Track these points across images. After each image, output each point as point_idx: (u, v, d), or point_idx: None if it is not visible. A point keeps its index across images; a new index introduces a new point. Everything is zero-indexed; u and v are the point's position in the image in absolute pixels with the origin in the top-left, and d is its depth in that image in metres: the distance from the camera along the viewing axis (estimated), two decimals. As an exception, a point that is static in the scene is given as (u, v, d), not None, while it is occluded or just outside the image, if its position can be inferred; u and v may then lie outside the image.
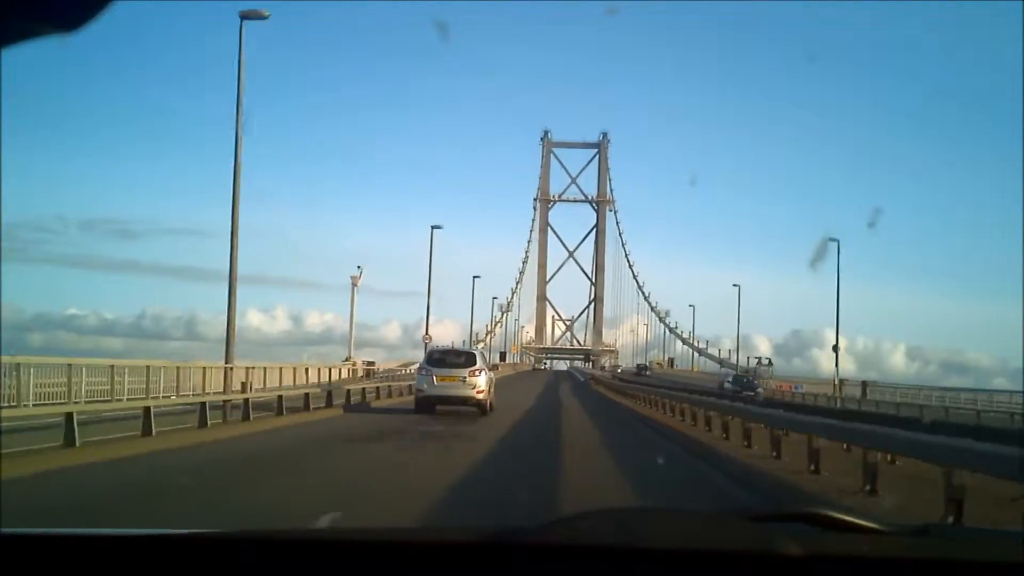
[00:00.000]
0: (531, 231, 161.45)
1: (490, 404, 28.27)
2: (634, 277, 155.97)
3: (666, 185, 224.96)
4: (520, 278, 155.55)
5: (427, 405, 27.14)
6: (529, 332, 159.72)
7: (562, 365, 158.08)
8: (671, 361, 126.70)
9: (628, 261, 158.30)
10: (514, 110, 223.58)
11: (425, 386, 27.54)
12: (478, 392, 27.31)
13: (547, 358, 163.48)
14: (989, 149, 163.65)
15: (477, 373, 27.64)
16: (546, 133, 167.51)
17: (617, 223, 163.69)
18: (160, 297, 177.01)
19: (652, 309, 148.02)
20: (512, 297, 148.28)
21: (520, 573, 1.97)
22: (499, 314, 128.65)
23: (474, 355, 29.50)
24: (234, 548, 2.09)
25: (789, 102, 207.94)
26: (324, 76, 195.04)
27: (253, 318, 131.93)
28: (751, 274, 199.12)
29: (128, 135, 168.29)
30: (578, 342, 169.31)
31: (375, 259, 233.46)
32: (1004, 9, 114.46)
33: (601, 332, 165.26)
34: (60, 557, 2.02)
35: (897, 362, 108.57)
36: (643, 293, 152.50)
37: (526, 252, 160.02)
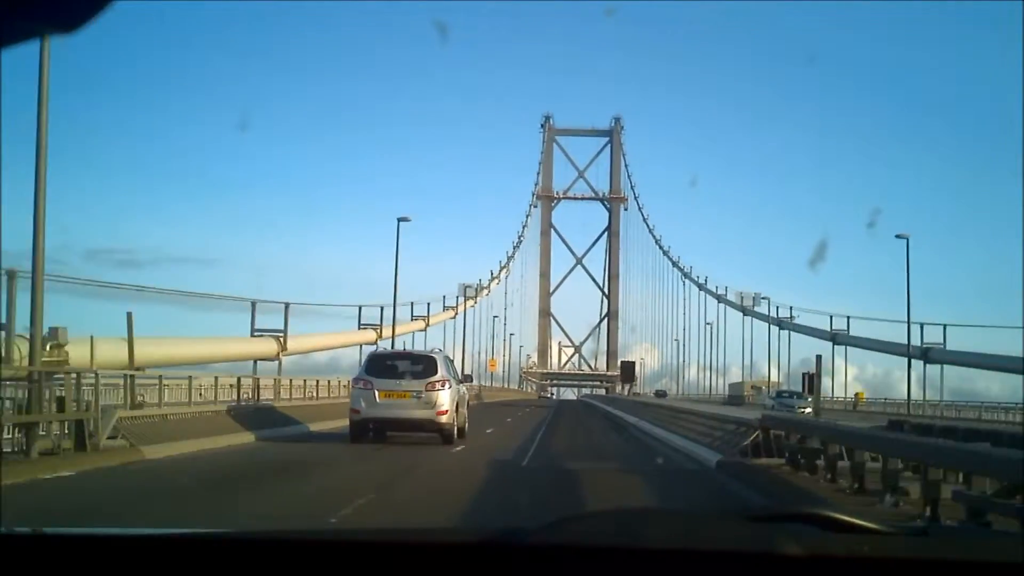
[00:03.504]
0: (524, 228, 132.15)
1: (458, 430, 21.97)
2: (674, 264, 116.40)
3: (664, 186, 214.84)
4: (507, 263, 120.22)
5: (366, 431, 21.19)
6: (531, 355, 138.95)
7: (570, 394, 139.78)
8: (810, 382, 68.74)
9: (661, 248, 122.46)
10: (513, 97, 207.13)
11: (363, 404, 21.03)
12: (440, 413, 20.98)
13: (553, 384, 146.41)
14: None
15: (438, 386, 21.07)
16: (547, 119, 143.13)
17: (640, 208, 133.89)
18: (165, 325, 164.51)
19: (719, 298, 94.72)
20: (491, 282, 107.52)
21: (521, 573, 1.98)
22: (462, 299, 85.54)
23: (434, 361, 22.15)
24: (236, 548, 2.10)
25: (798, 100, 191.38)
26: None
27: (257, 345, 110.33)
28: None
29: (132, 160, 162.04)
30: (589, 366, 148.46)
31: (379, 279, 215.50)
32: (1004, 10, 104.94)
33: (616, 353, 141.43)
34: (60, 557, 2.02)
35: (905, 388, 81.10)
36: (693, 280, 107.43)
37: (519, 236, 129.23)
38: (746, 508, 4.00)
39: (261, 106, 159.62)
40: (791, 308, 74.13)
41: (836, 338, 64.13)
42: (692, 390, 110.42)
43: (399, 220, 45.43)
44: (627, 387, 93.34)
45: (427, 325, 65.24)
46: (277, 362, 32.49)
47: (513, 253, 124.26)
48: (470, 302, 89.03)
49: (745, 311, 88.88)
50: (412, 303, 63.27)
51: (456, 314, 79.89)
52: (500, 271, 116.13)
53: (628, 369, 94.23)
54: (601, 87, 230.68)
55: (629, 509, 3.03)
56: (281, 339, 32.90)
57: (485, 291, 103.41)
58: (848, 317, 63.92)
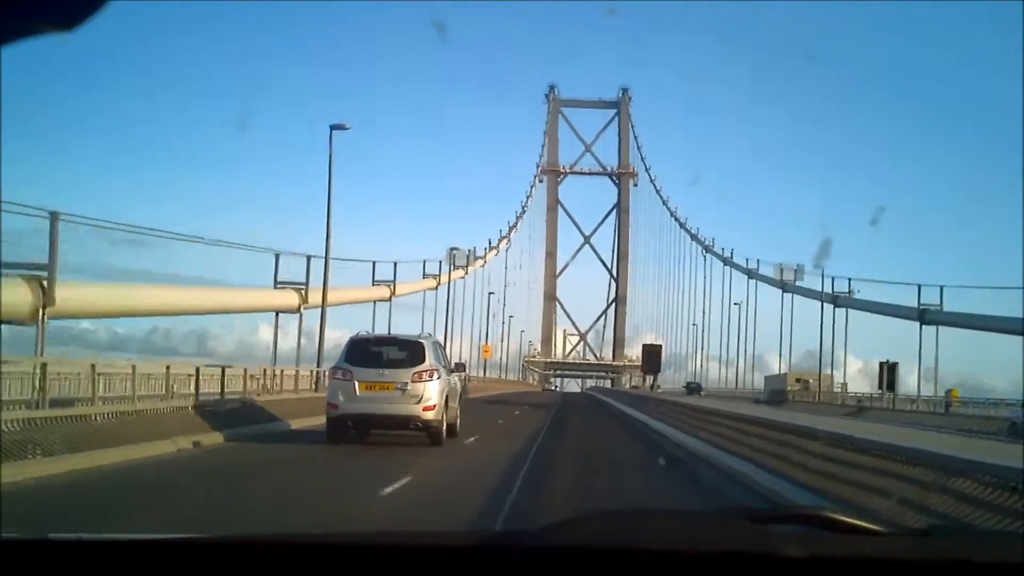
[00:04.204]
0: (528, 198, 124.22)
1: (448, 427, 19.29)
2: (693, 237, 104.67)
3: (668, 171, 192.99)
4: (508, 234, 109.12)
5: (346, 429, 18.42)
6: (532, 342, 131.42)
7: (574, 385, 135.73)
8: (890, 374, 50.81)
9: (677, 219, 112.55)
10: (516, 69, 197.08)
11: (341, 398, 18.27)
12: (426, 408, 18.17)
13: (556, 375, 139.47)
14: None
15: (426, 376, 18.36)
16: (552, 89, 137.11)
17: (652, 180, 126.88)
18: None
19: (749, 273, 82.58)
20: (488, 253, 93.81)
21: (522, 574, 1.97)
22: (452, 268, 70.60)
23: (422, 347, 19.07)
24: (235, 552, 2.08)
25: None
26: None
27: (265, 334, 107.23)
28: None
29: (136, 140, 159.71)
30: (595, 355, 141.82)
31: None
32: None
33: (623, 341, 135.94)
34: (60, 561, 2.02)
35: (912, 384, 74.33)
36: (716, 253, 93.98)
37: (523, 206, 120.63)
38: (746, 509, 2.64)
39: (257, 92, 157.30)
40: (850, 280, 60.07)
41: (925, 316, 49.78)
42: (712, 384, 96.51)
43: (332, 128, 31.96)
44: (651, 379, 77.63)
45: (393, 293, 50.44)
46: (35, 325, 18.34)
47: (516, 223, 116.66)
48: (459, 272, 74.98)
49: (785, 287, 75.09)
50: (374, 262, 49.17)
51: (439, 284, 64.51)
52: (499, 241, 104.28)
53: (653, 355, 76.98)
54: (603, 83, 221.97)
55: (629, 510, 2.91)
56: (42, 284, 18.56)
57: (481, 261, 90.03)
58: (941, 287, 49.52)
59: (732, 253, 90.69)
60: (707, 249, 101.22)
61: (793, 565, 1.86)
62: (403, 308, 61.05)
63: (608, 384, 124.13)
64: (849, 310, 60.80)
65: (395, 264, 50.83)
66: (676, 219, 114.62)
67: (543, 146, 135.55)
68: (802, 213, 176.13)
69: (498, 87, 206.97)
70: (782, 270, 74.75)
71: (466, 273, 78.62)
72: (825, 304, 63.50)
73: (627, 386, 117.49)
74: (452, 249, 67.52)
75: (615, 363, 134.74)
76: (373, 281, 48.26)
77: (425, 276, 62.51)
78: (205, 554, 2.06)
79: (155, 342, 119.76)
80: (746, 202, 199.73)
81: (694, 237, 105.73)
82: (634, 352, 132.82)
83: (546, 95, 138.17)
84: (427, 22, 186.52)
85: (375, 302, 48.43)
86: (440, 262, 64.96)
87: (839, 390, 63.40)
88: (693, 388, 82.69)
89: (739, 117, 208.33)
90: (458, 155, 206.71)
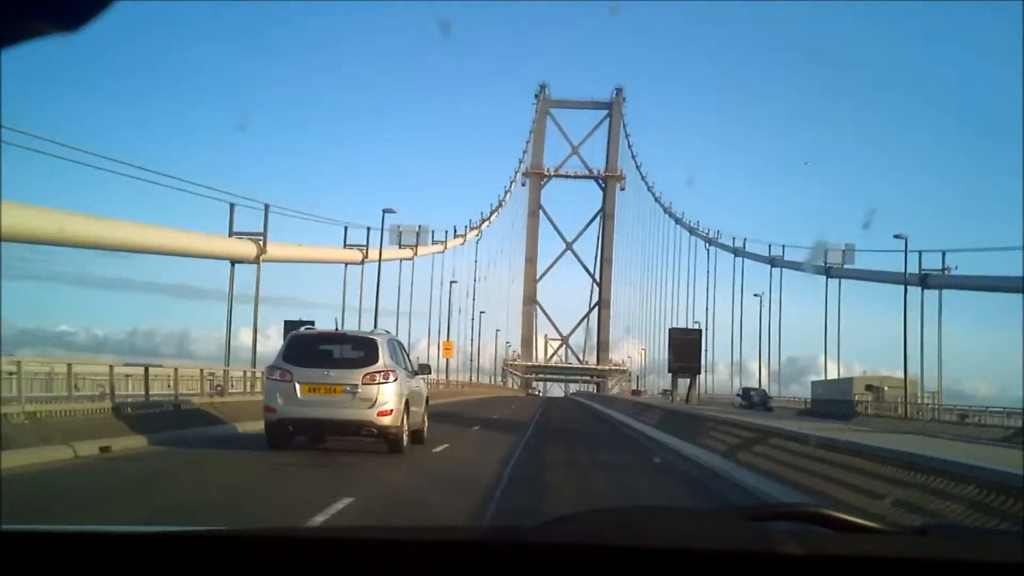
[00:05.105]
0: (507, 193, 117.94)
1: (411, 434, 16.80)
2: (692, 231, 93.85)
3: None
4: (479, 225, 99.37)
5: (287, 434, 15.96)
6: (510, 343, 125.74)
7: (557, 389, 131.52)
8: None
9: (672, 215, 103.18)
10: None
11: (280, 401, 15.78)
12: (381, 412, 15.72)
13: (538, 378, 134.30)
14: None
15: (379, 378, 15.88)
16: (543, 88, 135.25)
17: (643, 177, 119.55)
18: (152, 315, 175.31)
19: (772, 261, 68.79)
20: (451, 239, 78.34)
21: (520, 572, 1.95)
22: (395, 245, 53.35)
23: (375, 344, 16.37)
24: (234, 546, 2.06)
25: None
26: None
27: (246, 337, 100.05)
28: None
29: (117, 143, 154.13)
30: (577, 359, 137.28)
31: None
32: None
33: (607, 345, 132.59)
34: (59, 555, 2.00)
35: (893, 391, 64.30)
36: (722, 245, 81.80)
37: (500, 200, 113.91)
38: (745, 507, 3.30)
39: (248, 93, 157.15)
40: (943, 254, 43.18)
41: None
42: (721, 390, 79.94)
43: None
44: (685, 385, 58.64)
45: (262, 252, 32.29)
46: None
47: (489, 216, 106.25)
48: (405, 251, 57.62)
49: (830, 272, 58.08)
50: (232, 204, 31.55)
51: (365, 259, 46.39)
52: (468, 231, 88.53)
53: (689, 346, 57.78)
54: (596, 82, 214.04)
55: (629, 508, 2.55)
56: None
57: (440, 246, 72.97)
58: None
59: (744, 243, 75.62)
60: (710, 242, 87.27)
61: (791, 563, 1.84)
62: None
63: (593, 389, 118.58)
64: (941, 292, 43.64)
65: (266, 207, 32.78)
66: (670, 214, 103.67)
67: (528, 142, 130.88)
68: (804, 210, 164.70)
69: (482, 80, 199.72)
70: (826, 252, 57.51)
71: (415, 254, 60.89)
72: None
73: (614, 391, 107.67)
74: (386, 211, 47.58)
75: (600, 367, 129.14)
76: (231, 231, 30.65)
77: (347, 246, 44.92)
78: (204, 548, 2.00)
79: (136, 343, 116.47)
80: (750, 199, 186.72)
81: (693, 231, 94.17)
82: (619, 356, 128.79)
83: (536, 95, 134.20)
84: (421, 15, 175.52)
85: (233, 262, 31.00)
86: (368, 229, 46.81)
87: (928, 400, 46.26)
88: (757, 400, 58.32)
89: (738, 114, 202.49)
90: (438, 152, 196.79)
